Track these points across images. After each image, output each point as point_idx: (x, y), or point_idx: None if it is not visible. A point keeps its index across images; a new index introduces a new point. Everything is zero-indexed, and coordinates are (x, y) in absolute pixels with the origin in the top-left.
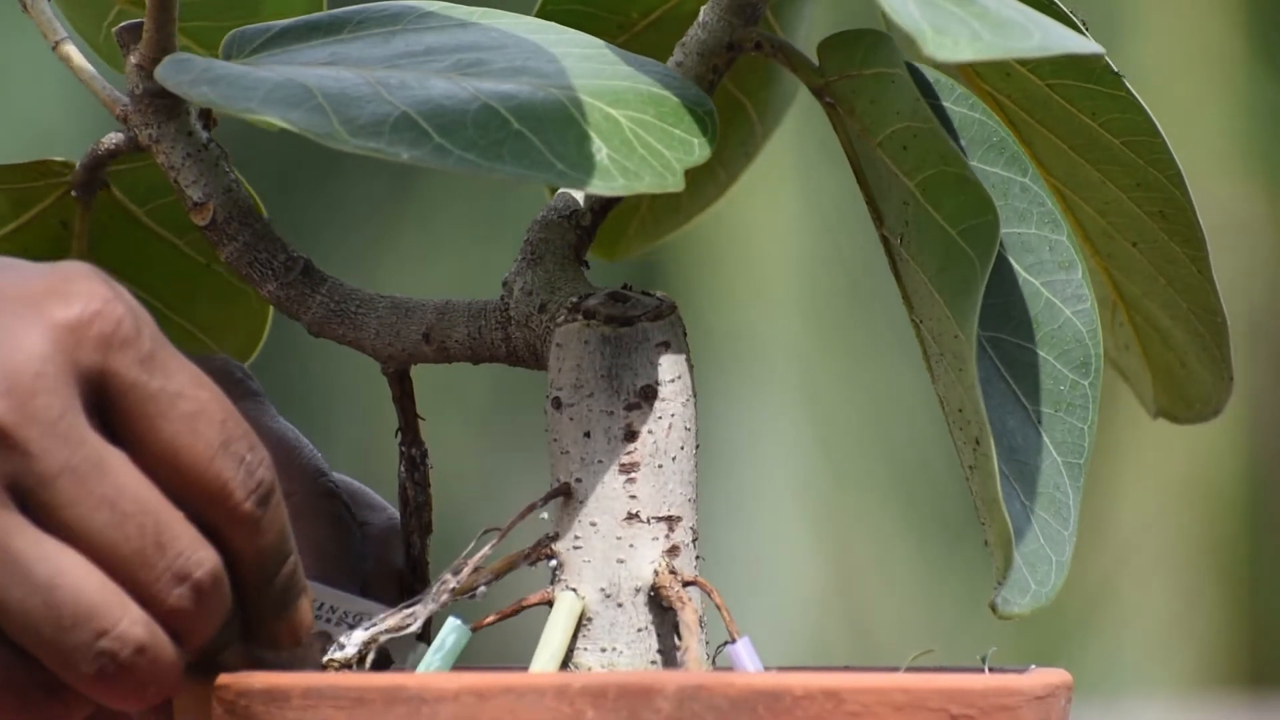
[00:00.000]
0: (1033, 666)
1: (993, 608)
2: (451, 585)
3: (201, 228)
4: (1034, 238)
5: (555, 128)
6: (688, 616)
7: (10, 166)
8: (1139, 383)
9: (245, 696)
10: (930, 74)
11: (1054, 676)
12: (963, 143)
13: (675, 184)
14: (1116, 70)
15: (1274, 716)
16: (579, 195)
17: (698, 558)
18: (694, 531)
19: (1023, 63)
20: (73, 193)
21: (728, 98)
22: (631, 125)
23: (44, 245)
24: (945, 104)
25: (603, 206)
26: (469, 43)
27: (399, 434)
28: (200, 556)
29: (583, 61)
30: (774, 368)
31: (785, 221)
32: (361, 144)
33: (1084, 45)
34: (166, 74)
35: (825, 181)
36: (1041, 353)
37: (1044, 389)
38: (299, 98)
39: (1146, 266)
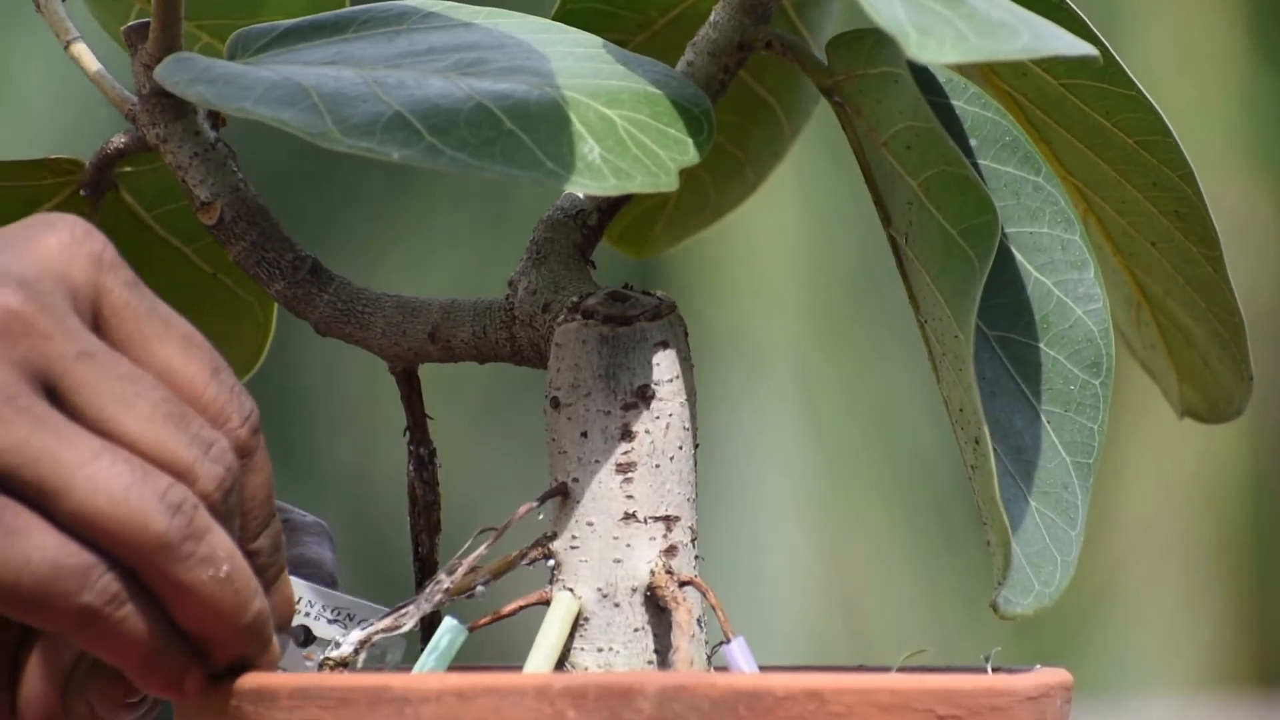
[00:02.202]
0: (1038, 666)
1: (994, 608)
2: (446, 585)
3: (209, 227)
4: (1046, 237)
5: (548, 127)
6: (680, 617)
7: (19, 163)
8: (1165, 381)
9: (236, 697)
10: (943, 74)
11: (1050, 676)
12: (974, 142)
13: (669, 183)
14: (1127, 70)
15: (1278, 717)
16: (585, 195)
17: (696, 558)
18: (693, 531)
19: (1037, 62)
20: (81, 192)
21: (754, 97)
22: (626, 125)
23: None
24: (957, 103)
25: (610, 206)
26: (471, 42)
27: (407, 433)
28: (216, 434)
29: (582, 61)
30: (773, 368)
31: (784, 222)
32: (354, 143)
33: (1074, 47)
34: (165, 73)
35: (825, 182)
36: (1052, 352)
37: (1053, 389)
38: (294, 97)
39: (1165, 266)
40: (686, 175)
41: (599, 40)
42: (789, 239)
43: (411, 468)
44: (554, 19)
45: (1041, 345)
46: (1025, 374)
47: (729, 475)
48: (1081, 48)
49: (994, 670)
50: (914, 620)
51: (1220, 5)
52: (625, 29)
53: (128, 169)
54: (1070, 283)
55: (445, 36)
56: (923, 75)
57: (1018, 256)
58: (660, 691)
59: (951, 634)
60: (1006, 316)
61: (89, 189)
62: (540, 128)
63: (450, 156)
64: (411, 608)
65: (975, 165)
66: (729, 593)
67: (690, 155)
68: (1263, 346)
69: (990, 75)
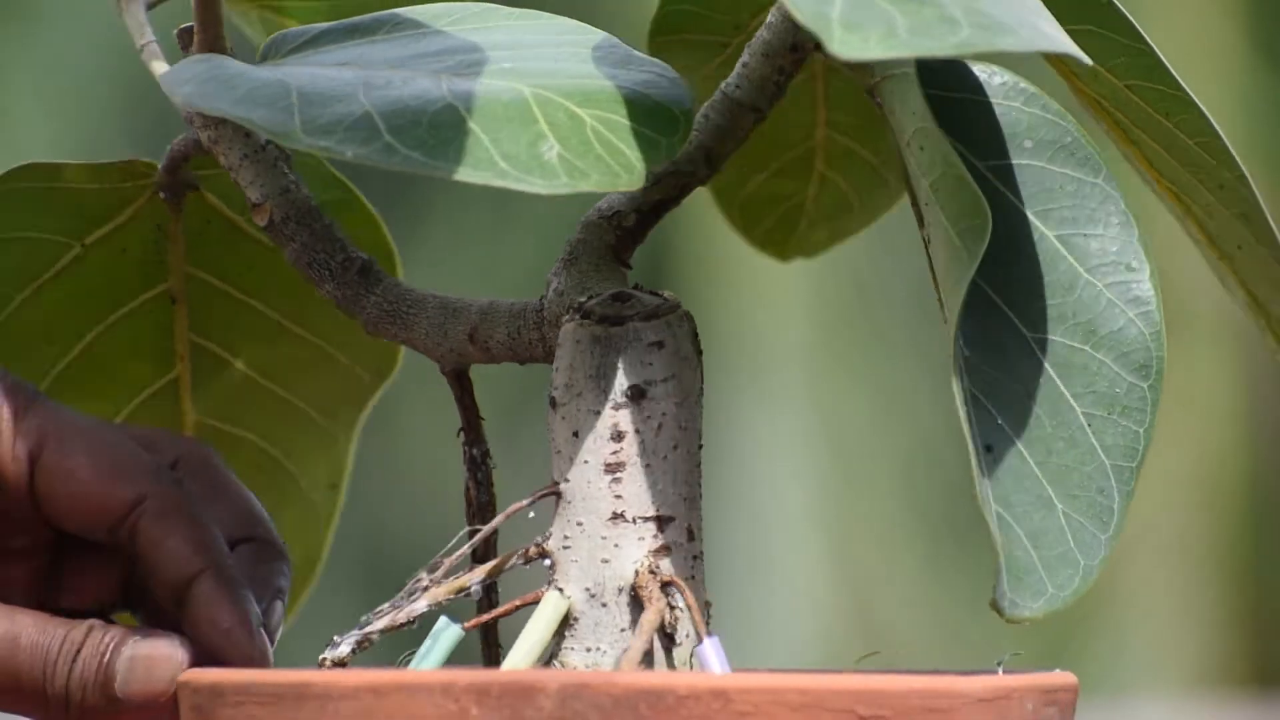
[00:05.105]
0: (1055, 668)
1: (995, 609)
2: (425, 584)
3: (262, 228)
4: (1101, 239)
5: (511, 127)
6: (648, 617)
7: (102, 166)
8: None
9: (198, 694)
10: (1003, 75)
11: (1014, 680)
12: (1029, 144)
13: (629, 182)
14: (1170, 69)
15: (1277, 717)
16: (623, 196)
17: (695, 557)
18: (691, 531)
19: (1099, 63)
20: (160, 195)
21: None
22: (596, 124)
23: (142, 246)
24: (1012, 104)
25: (652, 208)
26: (489, 43)
27: (460, 434)
28: None
29: (580, 63)
30: (781, 370)
31: None
32: (313, 142)
33: (1021, 43)
34: (166, 78)
35: None
36: (1099, 355)
37: (1098, 392)
38: (272, 97)
39: (1257, 270)
40: (818, 178)
41: (615, 41)
42: None
43: (466, 469)
44: (653, 20)
45: (1087, 348)
46: (1067, 377)
47: (738, 477)
48: (1037, 44)
49: (1004, 673)
50: (923, 620)
51: (1219, 5)
52: (721, 30)
53: (208, 171)
54: (1122, 285)
55: (474, 38)
56: (959, 73)
57: (1069, 259)
58: (561, 690)
59: (961, 634)
60: (1052, 319)
61: (165, 191)
62: (503, 128)
63: (404, 156)
64: (386, 606)
65: (1013, 167)
66: (738, 595)
67: (659, 154)
68: (1261, 347)
69: (1070, 77)
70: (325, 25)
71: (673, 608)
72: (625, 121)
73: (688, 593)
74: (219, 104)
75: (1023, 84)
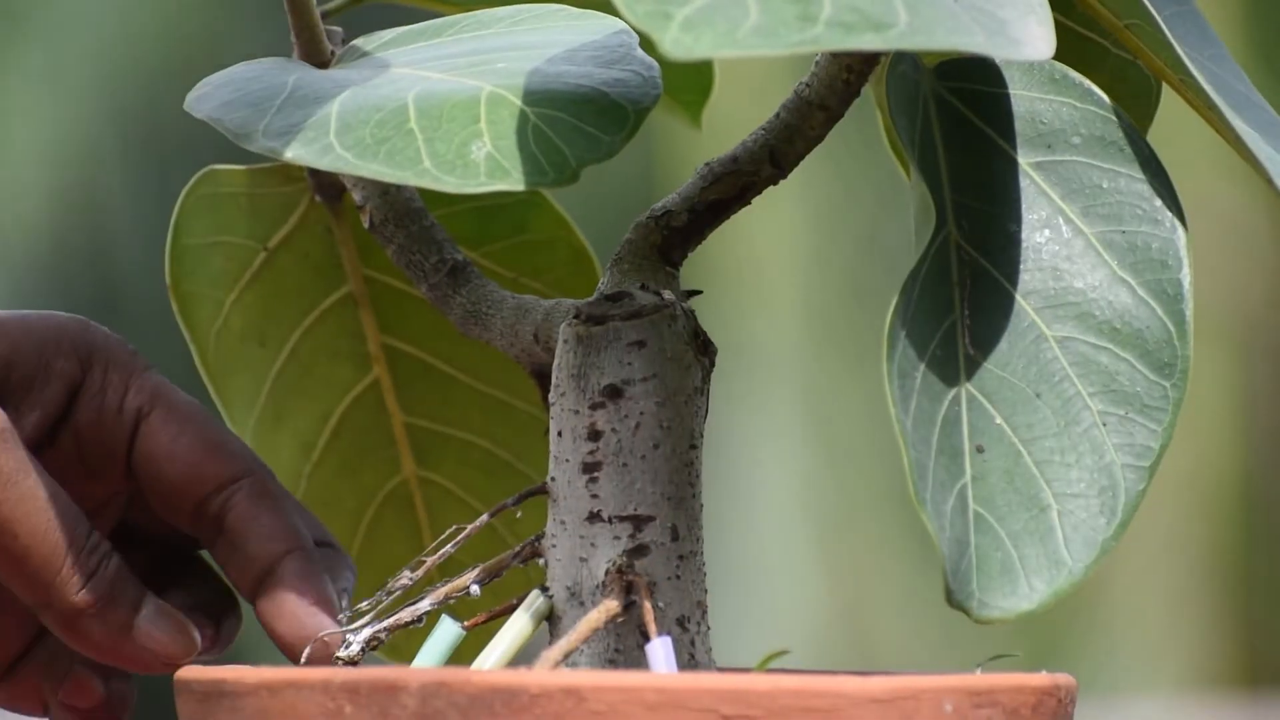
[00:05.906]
0: (1041, 669)
1: (962, 609)
2: (404, 582)
3: (368, 228)
4: (1139, 235)
5: (450, 127)
6: (591, 616)
7: (260, 170)
8: None
9: (179, 690)
10: (1047, 70)
11: (922, 680)
12: (1076, 140)
13: (556, 181)
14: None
15: (1269, 717)
16: (676, 196)
17: (682, 557)
18: (676, 530)
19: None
20: (316, 198)
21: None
22: (539, 122)
23: (320, 249)
24: (1047, 98)
25: (708, 208)
26: (515, 44)
27: (546, 434)
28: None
29: (567, 63)
30: (776, 374)
31: (786, 228)
32: (266, 144)
33: (889, 40)
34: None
35: (826, 188)
36: (1122, 354)
37: (1117, 390)
38: (259, 98)
39: None
40: None
41: (626, 40)
42: (791, 246)
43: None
44: None
45: (1110, 346)
46: (1085, 374)
47: (730, 480)
48: (911, 40)
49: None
50: (916, 622)
51: (1217, 8)
52: None
53: None
54: (1154, 282)
55: (514, 38)
56: (1001, 70)
57: (1102, 255)
58: (422, 688)
59: (955, 634)
60: (1074, 318)
61: (319, 193)
62: (441, 127)
63: (336, 156)
64: (366, 603)
65: (1057, 163)
66: (731, 596)
67: (599, 152)
68: (1256, 346)
69: (1163, 71)
70: (404, 29)
71: (628, 607)
72: (570, 120)
73: (644, 591)
74: (201, 108)
75: (1074, 77)
